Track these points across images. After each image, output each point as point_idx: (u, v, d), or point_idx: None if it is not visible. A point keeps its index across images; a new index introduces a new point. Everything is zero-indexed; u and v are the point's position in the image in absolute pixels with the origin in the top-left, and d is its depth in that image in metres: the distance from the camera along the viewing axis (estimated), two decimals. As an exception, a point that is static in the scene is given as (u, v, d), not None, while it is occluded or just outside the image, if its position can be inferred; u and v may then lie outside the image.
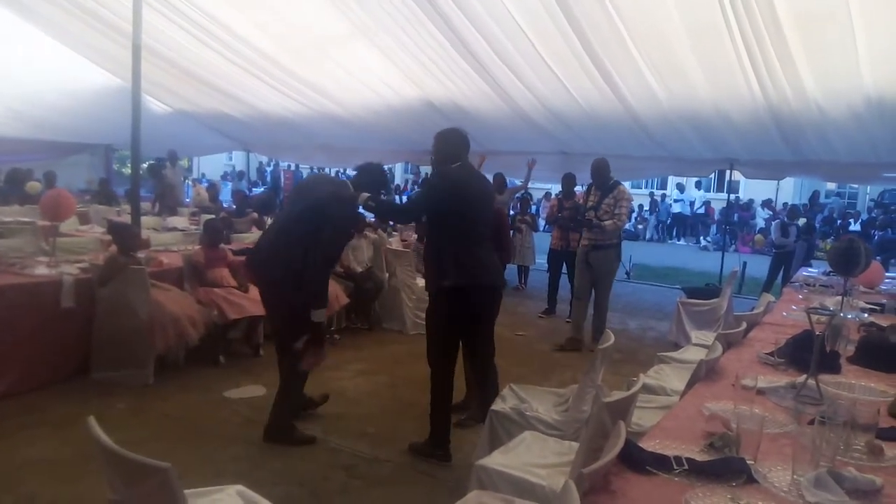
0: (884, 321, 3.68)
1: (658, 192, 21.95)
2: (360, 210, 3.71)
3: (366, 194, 3.53)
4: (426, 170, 19.04)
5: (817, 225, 13.50)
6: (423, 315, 6.29)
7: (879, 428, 1.90)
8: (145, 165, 11.81)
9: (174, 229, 7.70)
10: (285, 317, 3.61)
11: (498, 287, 3.69)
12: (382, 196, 3.89)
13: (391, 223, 9.15)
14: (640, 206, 21.02)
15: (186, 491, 1.64)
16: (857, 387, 2.46)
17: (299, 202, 3.64)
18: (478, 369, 3.77)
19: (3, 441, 3.49)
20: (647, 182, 22.43)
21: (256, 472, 3.28)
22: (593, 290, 6.09)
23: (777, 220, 9.98)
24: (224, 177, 22.22)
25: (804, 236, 9.02)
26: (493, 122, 8.03)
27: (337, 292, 5.27)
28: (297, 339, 3.55)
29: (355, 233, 5.39)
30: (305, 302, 3.43)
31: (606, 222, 5.75)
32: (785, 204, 20.32)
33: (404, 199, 20.37)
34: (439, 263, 3.48)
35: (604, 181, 5.92)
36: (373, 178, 3.74)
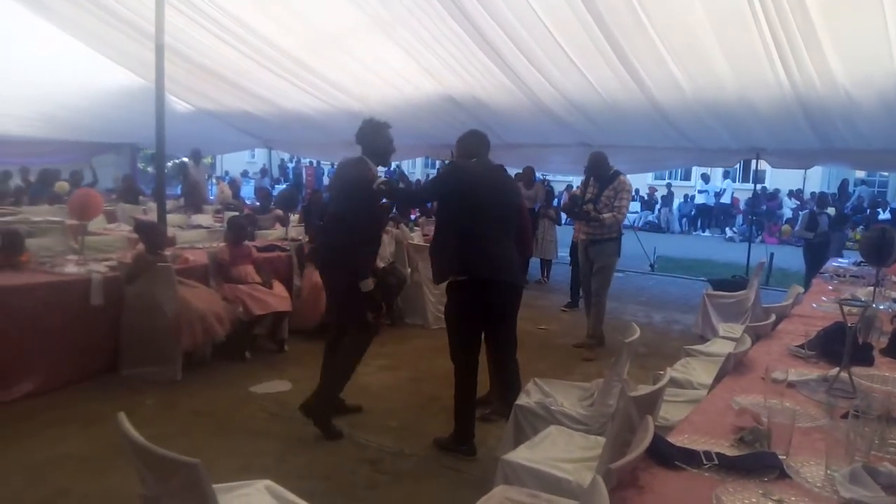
0: (918, 312, 3.59)
1: (672, 183, 21.72)
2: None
3: (380, 178, 3.65)
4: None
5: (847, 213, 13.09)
6: (441, 307, 6.37)
7: (916, 422, 1.86)
8: (170, 164, 12.00)
9: (199, 227, 7.79)
10: (339, 297, 3.81)
11: (514, 284, 3.62)
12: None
13: (412, 217, 9.17)
14: (662, 198, 20.86)
15: (215, 486, 1.65)
16: (892, 379, 2.40)
17: (334, 188, 3.99)
18: (498, 365, 3.76)
19: (34, 437, 3.57)
20: (670, 173, 22.21)
21: (283, 466, 3.31)
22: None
23: (806, 210, 9.69)
24: (244, 174, 22.44)
25: (836, 226, 8.72)
26: (513, 114, 7.98)
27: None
28: (352, 318, 3.76)
29: (382, 210, 5.49)
30: (349, 280, 3.64)
31: (605, 215, 5.46)
32: (813, 193, 19.98)
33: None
34: (447, 257, 3.49)
35: (602, 172, 5.63)
36: (372, 138, 3.88)
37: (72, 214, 5.84)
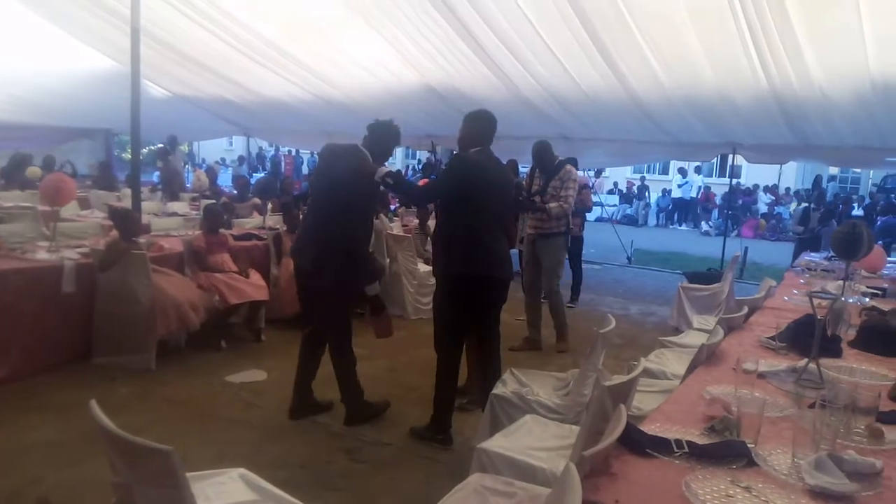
0: (885, 305, 3.68)
1: (651, 177, 21.96)
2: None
3: (384, 169, 3.46)
4: (423, 155, 18.98)
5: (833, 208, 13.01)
6: (425, 300, 6.39)
7: (880, 411, 1.90)
8: (146, 150, 11.81)
9: (175, 214, 7.69)
10: (325, 297, 3.59)
11: (508, 279, 3.66)
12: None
13: (392, 208, 9.15)
14: (637, 190, 21.05)
15: (189, 474, 1.64)
16: (858, 371, 2.47)
17: (324, 179, 3.63)
18: (482, 355, 3.77)
19: (5, 425, 3.51)
20: (649, 167, 22.43)
21: (258, 455, 3.30)
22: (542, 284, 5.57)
23: (804, 206, 9.64)
24: (222, 162, 22.17)
25: (824, 220, 8.69)
26: (494, 106, 7.84)
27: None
28: (336, 320, 3.63)
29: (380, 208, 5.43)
30: (332, 285, 3.49)
31: (551, 205, 5.20)
32: (787, 188, 20.32)
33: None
34: (450, 249, 3.49)
35: (547, 163, 5.41)
36: (385, 141, 3.67)
37: (44, 200, 5.72)
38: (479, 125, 3.63)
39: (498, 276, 3.53)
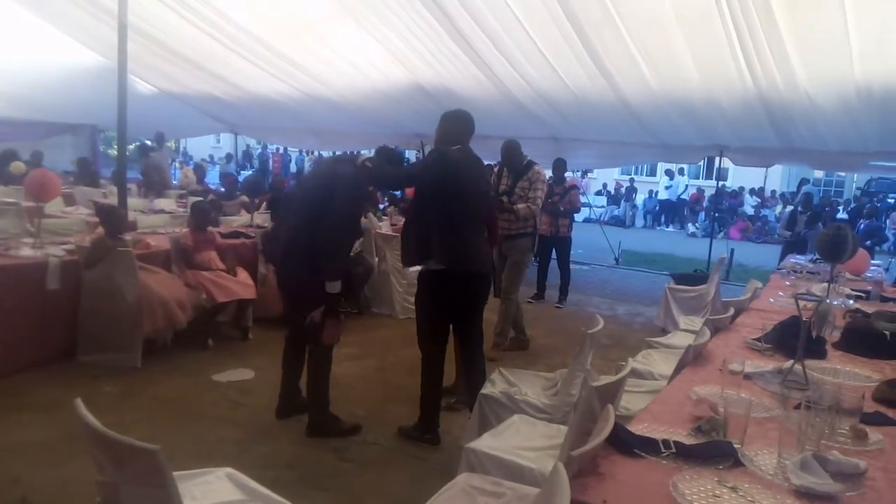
0: (869, 308, 3.73)
1: (638, 178, 22.10)
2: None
3: (364, 156, 3.50)
4: (412, 154, 18.97)
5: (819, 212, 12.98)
6: (413, 299, 6.36)
7: (864, 413, 1.93)
8: (132, 147, 11.70)
9: (161, 211, 7.63)
10: (304, 303, 3.49)
11: (486, 274, 3.67)
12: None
13: (380, 207, 9.13)
14: (625, 192, 21.15)
15: (175, 473, 1.63)
16: (843, 372, 2.50)
17: (307, 185, 3.67)
18: (465, 354, 3.78)
19: (-12, 423, 3.47)
20: (636, 169, 22.56)
21: (245, 455, 3.28)
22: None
23: (790, 209, 9.65)
24: (210, 159, 22.02)
25: (810, 224, 8.68)
26: (483, 106, 7.96)
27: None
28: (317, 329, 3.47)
29: (366, 202, 5.31)
30: (317, 283, 3.36)
31: (519, 206, 5.05)
32: (773, 191, 20.51)
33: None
34: (427, 245, 3.45)
35: (515, 163, 5.25)
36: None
37: (28, 196, 5.65)
38: (458, 124, 3.62)
39: (476, 270, 3.52)
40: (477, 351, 3.73)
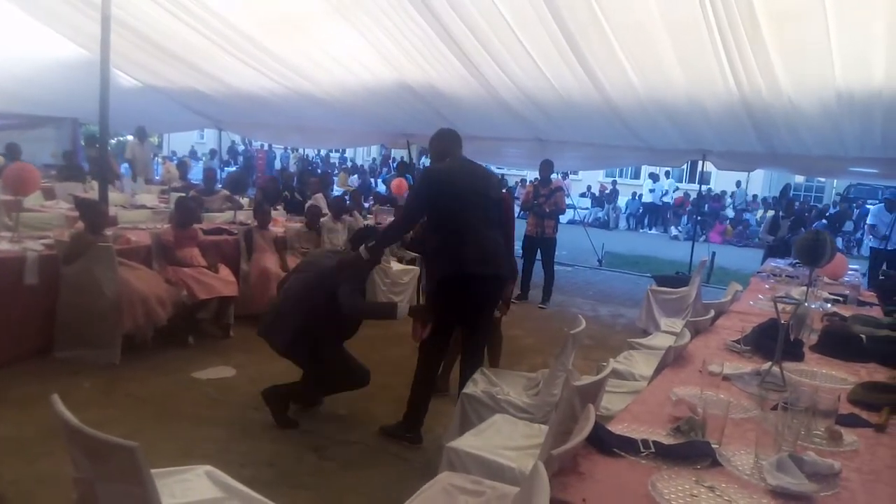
0: (846, 311, 3.79)
1: (622, 181, 22.28)
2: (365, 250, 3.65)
3: (362, 246, 3.60)
4: (400, 153, 18.96)
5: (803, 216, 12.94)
6: (398, 299, 6.37)
7: (839, 414, 1.96)
8: (114, 141, 11.55)
9: (143, 207, 7.55)
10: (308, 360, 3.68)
11: (498, 276, 3.61)
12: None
13: (366, 206, 9.11)
14: (606, 195, 21.30)
15: (153, 471, 1.61)
16: (819, 374, 2.53)
17: (307, 273, 3.74)
18: (466, 355, 3.75)
19: (-38, 420, 3.41)
20: (620, 171, 22.72)
21: (225, 453, 3.26)
22: None
23: (772, 214, 9.66)
24: (193, 154, 21.82)
25: (794, 228, 8.54)
26: (470, 106, 8.00)
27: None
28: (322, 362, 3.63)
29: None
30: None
31: None
32: (755, 196, 20.77)
33: (380, 181, 20.25)
34: (435, 256, 3.53)
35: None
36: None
37: (6, 189, 5.56)
38: (441, 142, 3.71)
39: (484, 272, 3.47)
40: (479, 351, 3.74)
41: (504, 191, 8.36)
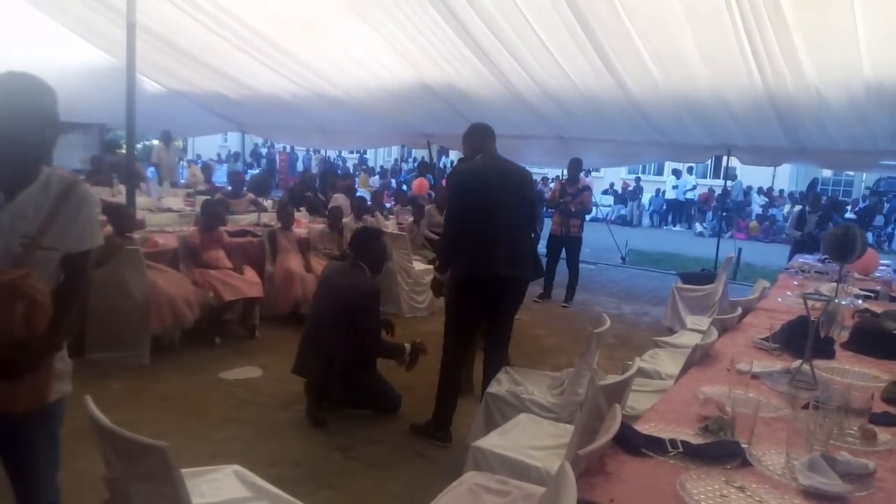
0: (878, 308, 3.71)
1: (645, 178, 22.03)
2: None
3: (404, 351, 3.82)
4: (420, 153, 19.02)
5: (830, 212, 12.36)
6: (420, 298, 6.39)
7: (873, 413, 1.92)
8: (140, 146, 11.74)
9: (169, 210, 7.66)
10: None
11: (518, 278, 3.59)
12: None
13: (387, 206, 9.14)
14: (629, 192, 21.08)
15: (183, 470, 1.64)
16: (851, 372, 2.48)
17: (326, 300, 3.84)
18: (489, 353, 3.75)
19: (-2, 420, 3.49)
20: (643, 168, 22.49)
21: (252, 452, 3.29)
22: None
23: (798, 209, 9.46)
24: (218, 157, 22.10)
25: (821, 224, 8.45)
26: (490, 104, 7.98)
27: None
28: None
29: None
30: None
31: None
32: (781, 191, 20.41)
33: (400, 181, 20.30)
34: (458, 256, 3.49)
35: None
36: (365, 248, 3.89)
37: None
38: (473, 138, 3.66)
39: (505, 275, 3.45)
40: (502, 352, 3.73)
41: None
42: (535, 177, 12.53)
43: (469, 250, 3.44)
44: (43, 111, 1.78)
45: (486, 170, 3.52)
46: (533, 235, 3.78)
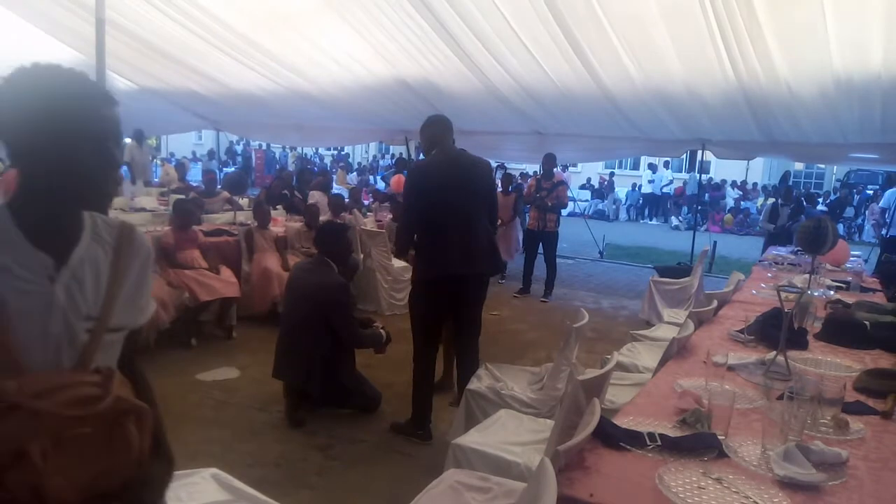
0: (849, 298, 3.78)
1: (619, 172, 22.22)
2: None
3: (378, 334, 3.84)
4: (398, 150, 18.93)
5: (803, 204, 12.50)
6: (399, 296, 6.38)
7: (845, 402, 1.96)
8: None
9: (143, 210, 7.54)
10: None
11: (478, 274, 3.59)
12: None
13: (365, 203, 9.09)
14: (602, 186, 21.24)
15: (159, 475, 1.61)
16: (824, 362, 2.52)
17: (296, 301, 3.81)
18: (459, 349, 3.77)
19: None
20: (619, 163, 22.67)
21: (230, 454, 3.26)
22: None
23: (772, 202, 9.55)
24: (192, 156, 21.81)
25: (794, 216, 8.54)
26: (467, 101, 7.98)
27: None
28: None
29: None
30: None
31: None
32: (755, 184, 20.72)
33: (378, 178, 20.23)
34: (419, 254, 3.51)
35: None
36: (334, 245, 3.87)
37: (6, 194, 5.55)
38: (431, 130, 3.57)
39: (460, 272, 3.44)
40: (471, 347, 3.72)
41: (512, 189, 8.35)
42: (514, 172, 12.56)
43: (425, 251, 3.46)
44: (103, 121, 1.16)
45: (440, 167, 3.46)
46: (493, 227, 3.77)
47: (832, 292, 4.02)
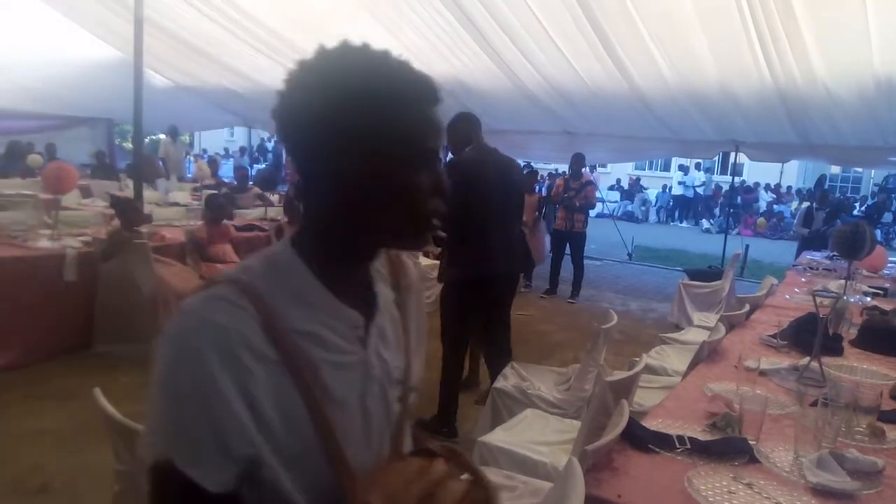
0: (887, 305, 3.69)
1: (648, 174, 21.96)
2: None
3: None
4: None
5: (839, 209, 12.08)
6: (426, 293, 6.38)
7: (881, 410, 1.91)
8: (147, 140, 11.78)
9: (176, 204, 7.69)
10: None
11: (511, 274, 3.59)
12: None
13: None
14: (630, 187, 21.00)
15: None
16: (860, 369, 2.47)
17: None
18: (492, 348, 3.75)
19: (7, 412, 3.52)
20: (650, 164, 22.41)
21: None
22: None
23: (806, 206, 9.28)
24: (225, 152, 22.14)
25: (829, 220, 8.38)
26: (497, 100, 7.96)
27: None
28: None
29: None
30: None
31: None
32: (789, 187, 20.31)
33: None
34: (454, 254, 3.46)
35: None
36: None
37: (46, 188, 5.71)
38: (461, 126, 3.50)
39: (497, 271, 3.45)
40: (505, 345, 3.73)
41: (537, 191, 8.29)
42: (542, 172, 12.53)
43: (468, 250, 3.41)
44: (437, 128, 0.87)
45: (482, 164, 3.45)
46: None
47: (869, 299, 3.93)
